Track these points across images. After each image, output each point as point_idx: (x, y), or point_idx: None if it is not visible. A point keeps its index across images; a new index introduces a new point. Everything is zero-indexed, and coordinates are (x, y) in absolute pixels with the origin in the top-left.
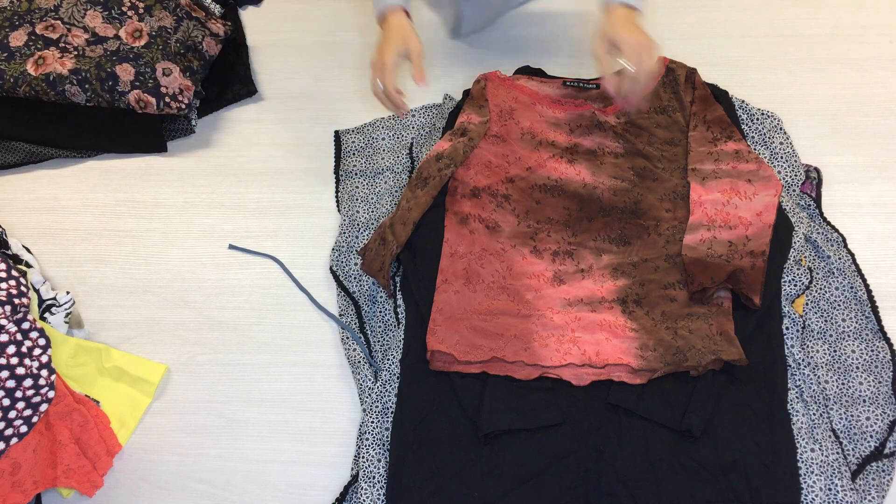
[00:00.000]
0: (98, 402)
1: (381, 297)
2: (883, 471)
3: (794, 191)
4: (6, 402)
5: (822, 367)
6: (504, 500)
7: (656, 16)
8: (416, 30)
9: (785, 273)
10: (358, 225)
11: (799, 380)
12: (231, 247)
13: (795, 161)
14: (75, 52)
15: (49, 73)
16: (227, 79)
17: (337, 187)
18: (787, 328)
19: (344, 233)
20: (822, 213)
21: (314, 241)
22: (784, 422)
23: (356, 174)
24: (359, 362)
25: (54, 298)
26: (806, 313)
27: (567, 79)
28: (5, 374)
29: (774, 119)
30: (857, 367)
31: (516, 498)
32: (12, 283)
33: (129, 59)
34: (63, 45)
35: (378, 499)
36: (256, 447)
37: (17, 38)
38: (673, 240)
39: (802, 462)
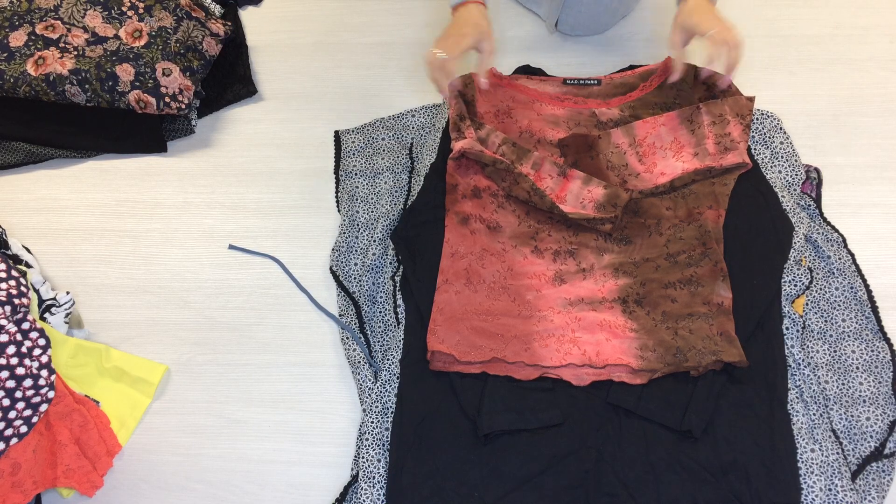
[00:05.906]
0: (98, 402)
1: (381, 297)
2: (883, 471)
3: (794, 191)
4: (6, 402)
5: (822, 367)
6: (504, 501)
7: (655, 16)
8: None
9: (785, 273)
10: (358, 225)
11: (799, 380)
12: (231, 247)
13: (795, 161)
14: (75, 52)
15: (49, 74)
16: (227, 79)
17: (337, 187)
18: (787, 328)
19: (344, 233)
20: (822, 213)
21: (314, 241)
22: (784, 422)
23: (356, 174)
24: (359, 362)
25: (54, 298)
26: (806, 313)
27: (567, 77)
28: (5, 374)
29: (774, 119)
30: (857, 368)
31: (516, 498)
32: (12, 283)
33: (129, 59)
34: (63, 45)
35: (378, 499)
36: (256, 447)
37: (17, 38)
38: (674, 238)
39: (802, 462)
